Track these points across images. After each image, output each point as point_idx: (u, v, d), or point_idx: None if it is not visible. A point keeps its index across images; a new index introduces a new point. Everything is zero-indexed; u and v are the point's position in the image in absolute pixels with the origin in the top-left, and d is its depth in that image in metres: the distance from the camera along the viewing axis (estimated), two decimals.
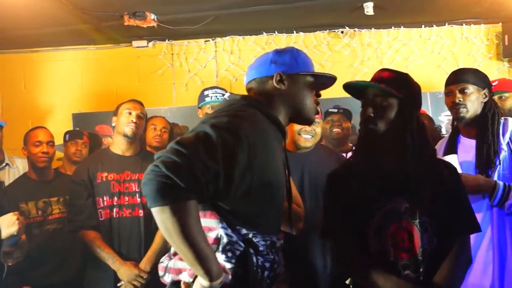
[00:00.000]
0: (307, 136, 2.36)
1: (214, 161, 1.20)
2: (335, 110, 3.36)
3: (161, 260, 1.46)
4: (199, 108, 3.01)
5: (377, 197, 1.61)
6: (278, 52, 1.56)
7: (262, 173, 1.34)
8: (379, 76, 1.65)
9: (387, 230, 1.59)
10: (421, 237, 1.57)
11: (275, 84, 1.50)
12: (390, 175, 1.62)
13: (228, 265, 1.33)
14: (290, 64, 1.54)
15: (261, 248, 1.42)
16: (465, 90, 2.08)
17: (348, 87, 1.69)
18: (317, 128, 2.49)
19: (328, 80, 1.62)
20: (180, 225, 1.16)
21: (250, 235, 1.40)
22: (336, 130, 3.29)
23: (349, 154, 3.13)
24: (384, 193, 1.61)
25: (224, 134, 1.25)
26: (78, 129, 3.92)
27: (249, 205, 1.37)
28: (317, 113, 1.59)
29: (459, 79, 2.12)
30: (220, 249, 1.34)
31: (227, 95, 2.86)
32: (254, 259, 1.39)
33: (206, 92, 3.01)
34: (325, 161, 2.37)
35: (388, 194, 1.61)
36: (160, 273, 1.44)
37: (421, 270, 1.57)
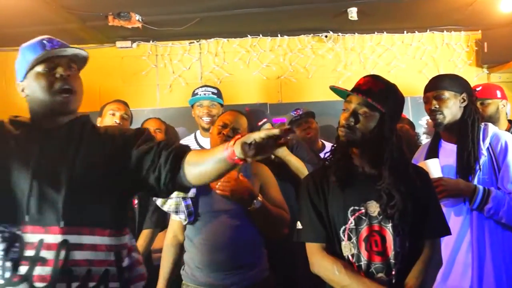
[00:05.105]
0: None
1: None
2: (298, 117, 3.35)
3: None
4: (191, 107, 3.05)
5: (351, 201, 1.64)
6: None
7: None
8: (368, 86, 1.65)
9: (360, 233, 1.62)
10: (394, 240, 1.60)
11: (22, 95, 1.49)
12: (364, 180, 1.66)
13: None
14: (18, 70, 1.49)
15: None
16: (441, 97, 2.11)
17: (337, 90, 1.71)
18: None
19: (59, 52, 1.44)
20: None
21: None
22: (306, 132, 3.30)
23: (322, 153, 3.17)
24: (357, 197, 1.64)
25: None
26: None
27: None
28: (61, 92, 1.42)
29: (434, 86, 2.16)
30: None
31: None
32: None
33: (196, 91, 3.05)
34: None
35: (362, 199, 1.64)
36: None
37: (393, 273, 1.60)
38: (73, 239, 1.34)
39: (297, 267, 2.50)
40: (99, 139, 1.48)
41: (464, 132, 2.09)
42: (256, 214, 2.08)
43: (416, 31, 4.42)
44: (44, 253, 1.30)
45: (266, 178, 2.26)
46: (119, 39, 4.32)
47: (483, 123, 2.15)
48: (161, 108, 4.34)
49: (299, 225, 1.74)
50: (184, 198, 2.09)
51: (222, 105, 3.03)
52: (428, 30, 4.41)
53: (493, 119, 2.56)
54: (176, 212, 2.11)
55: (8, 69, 4.30)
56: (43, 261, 1.30)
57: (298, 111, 3.37)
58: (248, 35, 4.37)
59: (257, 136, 1.18)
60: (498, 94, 2.70)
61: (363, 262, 1.62)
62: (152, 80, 4.45)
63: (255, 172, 2.24)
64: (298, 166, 2.59)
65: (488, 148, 2.08)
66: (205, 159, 1.34)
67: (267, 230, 2.13)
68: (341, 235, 1.64)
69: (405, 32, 4.43)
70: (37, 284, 1.29)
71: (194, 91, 3.06)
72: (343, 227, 1.64)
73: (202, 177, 1.36)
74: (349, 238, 1.63)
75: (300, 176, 2.53)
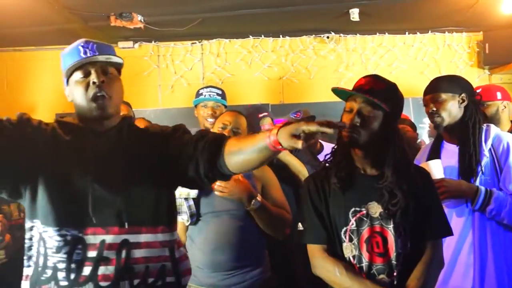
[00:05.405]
0: None
1: None
2: (299, 119, 3.35)
3: None
4: (195, 107, 3.04)
5: (352, 202, 1.64)
6: None
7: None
8: (370, 86, 1.64)
9: (361, 235, 1.62)
10: (395, 241, 1.60)
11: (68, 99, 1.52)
12: (365, 181, 1.66)
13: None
14: (63, 76, 1.51)
15: (56, 244, 1.35)
16: (438, 99, 2.10)
17: (338, 91, 1.70)
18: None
19: (86, 60, 1.46)
20: None
21: (41, 229, 1.38)
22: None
23: (321, 154, 3.17)
24: (358, 198, 1.64)
25: None
26: None
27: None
28: (95, 99, 1.42)
29: (431, 89, 2.16)
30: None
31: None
32: (39, 258, 1.40)
33: (201, 91, 3.03)
34: None
35: (363, 200, 1.64)
36: None
37: (395, 274, 1.60)
38: (132, 238, 1.39)
39: (297, 268, 2.51)
40: (145, 139, 1.51)
41: (466, 134, 2.09)
42: (255, 214, 2.09)
43: (417, 32, 4.44)
44: (106, 253, 1.35)
45: (268, 178, 2.26)
46: (121, 39, 4.33)
47: (485, 124, 2.14)
48: (163, 108, 4.35)
49: (300, 227, 1.74)
50: (186, 199, 2.09)
51: (226, 106, 3.03)
52: (429, 31, 4.42)
53: (494, 121, 2.55)
54: (179, 213, 2.11)
55: (9, 69, 4.32)
56: (106, 261, 1.35)
57: (298, 114, 3.37)
58: (250, 36, 4.38)
59: (305, 128, 1.21)
60: (499, 95, 2.68)
61: (365, 263, 1.61)
62: (154, 81, 4.46)
63: (256, 172, 2.24)
64: (298, 166, 2.59)
65: (490, 149, 2.07)
66: (246, 148, 1.36)
67: (268, 230, 2.14)
68: (342, 236, 1.64)
69: (406, 33, 4.44)
70: (102, 283, 1.33)
71: (198, 91, 3.05)
72: (344, 228, 1.63)
73: (244, 166, 1.39)
74: (351, 240, 1.63)
75: (300, 177, 2.53)
